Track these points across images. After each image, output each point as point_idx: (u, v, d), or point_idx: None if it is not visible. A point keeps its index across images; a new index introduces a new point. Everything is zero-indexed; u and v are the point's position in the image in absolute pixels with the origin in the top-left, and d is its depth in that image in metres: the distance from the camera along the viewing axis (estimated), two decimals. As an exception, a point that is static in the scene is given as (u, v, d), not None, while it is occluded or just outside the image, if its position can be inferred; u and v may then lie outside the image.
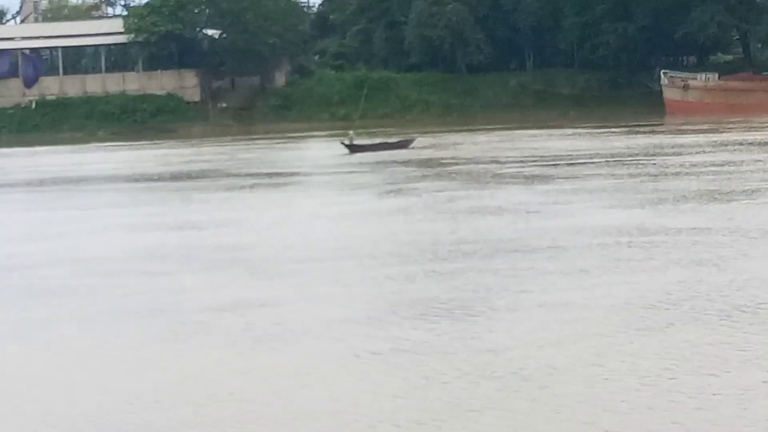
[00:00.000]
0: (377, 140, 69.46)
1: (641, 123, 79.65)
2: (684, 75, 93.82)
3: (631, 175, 45.30)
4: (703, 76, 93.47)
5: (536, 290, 22.36)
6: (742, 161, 49.22)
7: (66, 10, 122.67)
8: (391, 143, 68.14)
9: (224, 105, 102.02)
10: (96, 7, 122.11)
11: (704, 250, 26.19)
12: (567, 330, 18.87)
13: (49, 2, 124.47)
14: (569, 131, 74.33)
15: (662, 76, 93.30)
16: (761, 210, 33.24)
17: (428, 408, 15.01)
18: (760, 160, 49.17)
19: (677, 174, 44.98)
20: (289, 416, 14.98)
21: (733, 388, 15.18)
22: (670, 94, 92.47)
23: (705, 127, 73.03)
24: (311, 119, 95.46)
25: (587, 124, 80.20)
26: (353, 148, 65.80)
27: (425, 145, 67.64)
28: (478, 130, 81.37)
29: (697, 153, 55.44)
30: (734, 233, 28.76)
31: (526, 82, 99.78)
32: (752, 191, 37.90)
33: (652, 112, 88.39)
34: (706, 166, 47.51)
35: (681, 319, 19.46)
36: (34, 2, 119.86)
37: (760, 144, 58.68)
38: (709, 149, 56.97)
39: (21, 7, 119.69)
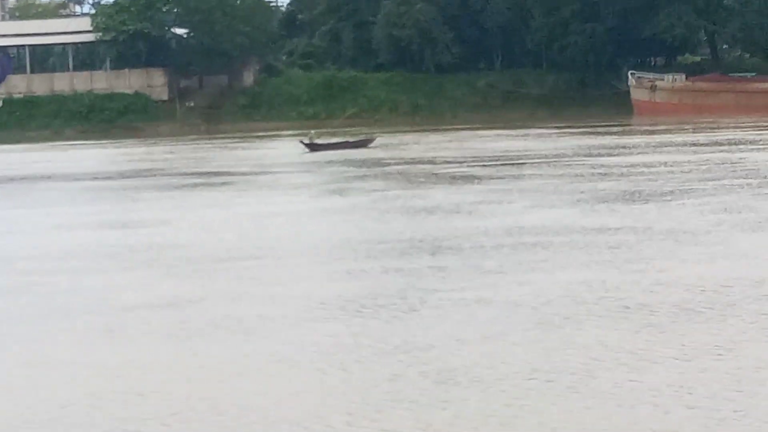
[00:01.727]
0: (336, 140, 69.59)
1: (609, 123, 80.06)
2: (651, 76, 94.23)
3: (567, 176, 45.66)
4: (671, 76, 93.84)
5: (456, 288, 22.52)
6: (675, 162, 49.66)
7: (34, 8, 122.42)
8: (351, 142, 68.39)
9: (192, 104, 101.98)
10: (64, 5, 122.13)
11: (615, 250, 26.61)
12: (481, 328, 18.95)
13: (17, 0, 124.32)
14: (533, 131, 74.73)
15: (630, 76, 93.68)
16: (674, 211, 33.40)
17: (344, 404, 15.14)
18: (691, 161, 49.57)
19: (610, 175, 45.38)
20: (217, 412, 15.00)
21: (629, 387, 15.31)
22: (637, 94, 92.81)
23: (663, 128, 73.56)
24: (279, 119, 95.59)
25: (554, 125, 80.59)
26: (313, 147, 66.07)
27: (384, 144, 67.92)
28: (445, 130, 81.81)
29: (638, 154, 55.99)
30: (646, 233, 28.96)
31: (494, 83, 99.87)
32: (672, 192, 38.29)
33: (619, 113, 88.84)
34: (639, 167, 48.02)
35: (586, 317, 19.65)
36: (2, 1, 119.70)
37: (703, 145, 59.16)
38: (650, 150, 57.39)
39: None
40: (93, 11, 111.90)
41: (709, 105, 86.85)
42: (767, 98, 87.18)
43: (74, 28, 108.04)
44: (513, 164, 52.16)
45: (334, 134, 73.46)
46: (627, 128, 74.41)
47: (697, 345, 17.32)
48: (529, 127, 77.58)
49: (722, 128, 69.26)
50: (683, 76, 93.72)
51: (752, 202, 34.70)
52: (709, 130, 68.10)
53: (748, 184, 39.81)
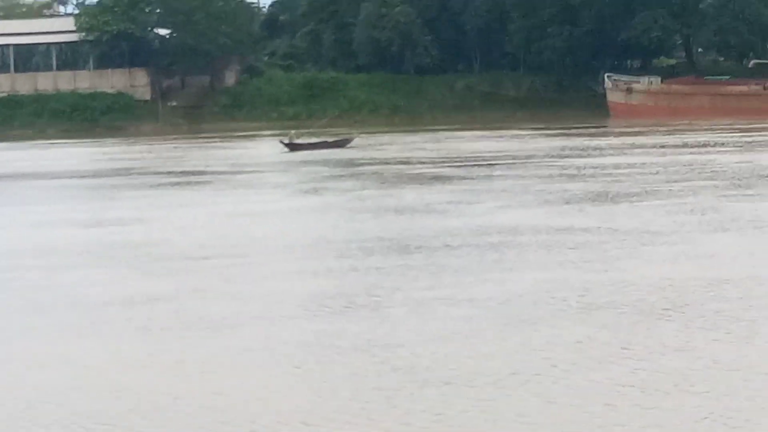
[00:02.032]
0: (316, 140, 69.62)
1: (584, 125, 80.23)
2: (627, 78, 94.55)
3: (537, 177, 45.77)
4: (647, 79, 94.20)
5: (422, 287, 22.60)
6: (645, 164, 49.93)
7: (18, 8, 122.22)
8: (330, 142, 68.56)
9: (174, 104, 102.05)
10: (48, 5, 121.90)
11: (580, 250, 26.77)
12: (446, 326, 19.01)
13: (1, 0, 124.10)
14: (509, 133, 74.85)
15: (606, 79, 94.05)
16: (640, 212, 33.50)
17: (309, 399, 15.17)
18: (660, 163, 49.82)
19: (580, 176, 45.63)
20: (183, 407, 15.06)
21: (588, 384, 15.40)
22: (613, 97, 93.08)
23: (636, 130, 73.72)
24: (260, 119, 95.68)
25: (531, 126, 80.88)
26: (293, 147, 66.20)
27: (363, 145, 68.02)
28: (424, 131, 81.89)
29: (608, 155, 56.18)
30: (611, 233, 29.08)
31: (472, 84, 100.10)
32: (639, 193, 38.46)
33: (596, 115, 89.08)
34: (609, 169, 48.33)
35: (549, 316, 19.70)
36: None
37: (673, 147, 59.40)
38: (621, 152, 57.55)
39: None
40: (76, 11, 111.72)
41: (684, 108, 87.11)
42: (741, 101, 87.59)
43: (58, 28, 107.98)
44: (485, 165, 52.32)
45: (314, 134, 73.69)
46: (601, 130, 74.70)
47: (656, 344, 17.33)
48: (506, 129, 77.82)
49: (694, 131, 69.61)
50: (659, 79, 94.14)
51: (717, 203, 34.87)
52: (680, 133, 68.38)
53: (713, 186, 40.05)
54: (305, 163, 57.70)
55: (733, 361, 16.32)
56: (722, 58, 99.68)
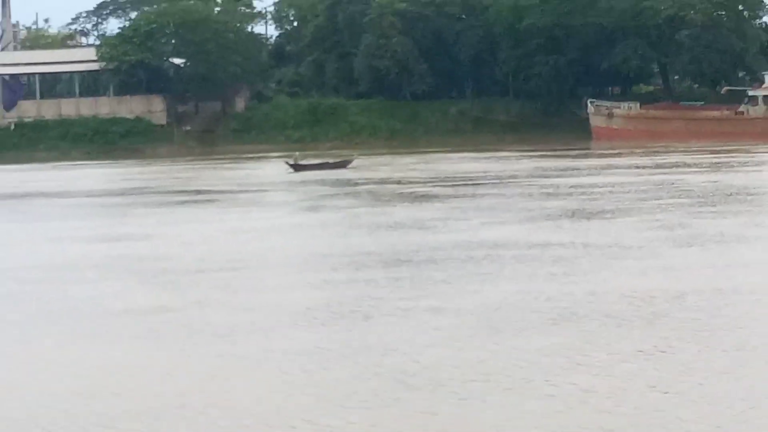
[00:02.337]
0: (318, 161, 69.66)
1: (568, 147, 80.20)
2: (609, 104, 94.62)
3: (519, 195, 45.59)
4: (626, 105, 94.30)
5: (410, 297, 22.59)
6: (619, 183, 49.68)
7: (43, 39, 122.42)
8: (331, 163, 68.62)
9: (188, 128, 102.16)
10: (71, 36, 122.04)
11: (556, 264, 26.55)
12: (431, 334, 19.04)
13: (28, 32, 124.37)
14: (498, 155, 74.70)
15: (589, 104, 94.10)
16: (612, 228, 33.53)
17: (305, 401, 15.16)
18: (634, 183, 49.62)
19: (559, 194, 45.40)
20: (186, 409, 15.03)
21: (562, 388, 15.34)
22: (596, 121, 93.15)
23: (615, 152, 73.79)
24: (268, 142, 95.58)
25: (519, 149, 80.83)
26: (297, 168, 66.29)
27: (361, 166, 67.81)
28: (419, 153, 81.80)
29: (587, 175, 55.78)
30: (585, 248, 29.04)
31: (465, 110, 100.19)
32: (613, 210, 38.34)
33: (579, 138, 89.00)
34: (586, 188, 47.93)
35: (527, 324, 19.66)
36: (14, 31, 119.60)
37: (647, 167, 59.16)
38: (599, 172, 57.19)
39: (1, 36, 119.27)
40: (98, 43, 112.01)
41: (661, 131, 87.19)
42: (714, 125, 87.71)
43: (80, 57, 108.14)
44: (472, 184, 52.02)
45: (317, 156, 73.94)
46: (583, 152, 74.69)
47: (624, 350, 17.39)
48: (495, 151, 77.68)
49: (669, 152, 69.37)
50: (638, 105, 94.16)
51: (684, 219, 34.84)
52: (656, 155, 68.18)
53: (681, 204, 39.94)
54: (306, 182, 57.44)
55: (696, 364, 16.42)
56: (696, 85, 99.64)
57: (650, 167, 58.43)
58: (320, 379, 16.42)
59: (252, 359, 17.84)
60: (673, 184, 48.42)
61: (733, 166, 57.61)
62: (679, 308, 20.75)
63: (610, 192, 45.64)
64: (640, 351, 17.37)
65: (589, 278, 24.40)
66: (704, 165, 58.60)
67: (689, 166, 58.71)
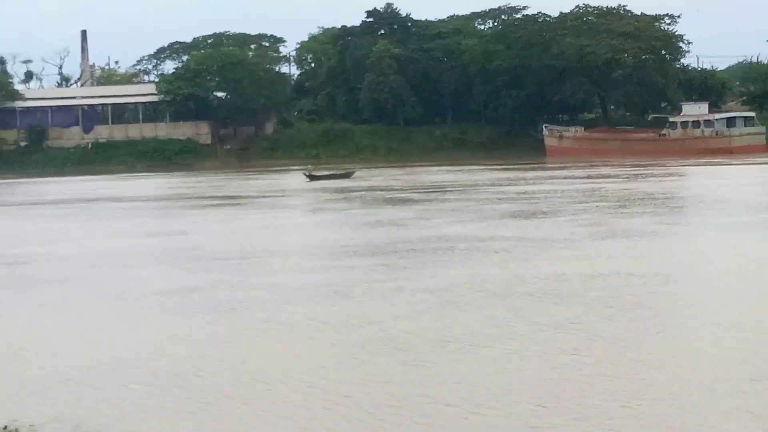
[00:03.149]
0: (329, 172, 69.86)
1: (527, 163, 79.48)
2: (559, 128, 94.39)
3: (476, 199, 45.23)
4: (573, 129, 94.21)
5: (387, 279, 22.87)
6: (556, 190, 49.26)
7: (114, 77, 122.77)
8: (338, 174, 68.66)
9: (228, 147, 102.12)
10: (136, 75, 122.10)
11: (499, 253, 26.49)
12: (403, 308, 19.25)
13: (102, 71, 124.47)
14: (469, 168, 73.83)
15: (544, 128, 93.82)
16: (545, 225, 33.50)
17: (314, 358, 15.58)
18: (567, 190, 49.10)
19: (508, 199, 45.03)
20: (219, 367, 15.14)
21: (502, 352, 15.58)
22: (549, 141, 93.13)
23: (559, 165, 73.12)
24: (291, 158, 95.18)
25: (488, 163, 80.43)
26: (312, 177, 66.53)
27: (361, 176, 67.42)
28: (409, 167, 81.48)
29: (532, 184, 55.41)
30: (522, 240, 29.07)
31: (446, 132, 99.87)
32: (547, 212, 38.19)
33: (536, 155, 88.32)
34: (530, 193, 47.69)
35: (475, 300, 19.89)
36: (91, 71, 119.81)
37: (580, 178, 58.46)
38: (542, 181, 56.74)
39: (81, 74, 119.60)
40: (157, 79, 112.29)
41: (600, 149, 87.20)
42: (642, 145, 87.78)
43: (143, 91, 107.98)
44: (442, 191, 51.63)
45: (328, 168, 74.02)
46: (536, 166, 74.27)
47: (544, 321, 17.47)
48: (468, 165, 76.64)
49: (601, 166, 68.52)
50: (582, 129, 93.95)
51: (601, 218, 34.74)
52: (590, 168, 67.50)
53: (601, 206, 39.73)
54: (315, 190, 56.88)
55: (602, 333, 16.53)
56: (628, 113, 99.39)
57: (582, 177, 58.21)
58: (312, 343, 16.59)
59: (273, 326, 18.09)
60: (597, 191, 48.11)
61: (648, 177, 56.84)
62: (591, 288, 20.69)
63: (547, 197, 45.36)
64: (557, 322, 17.48)
65: (521, 264, 24.41)
66: (626, 176, 58.28)
67: (613, 176, 58.21)
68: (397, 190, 54.28)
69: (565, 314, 18.20)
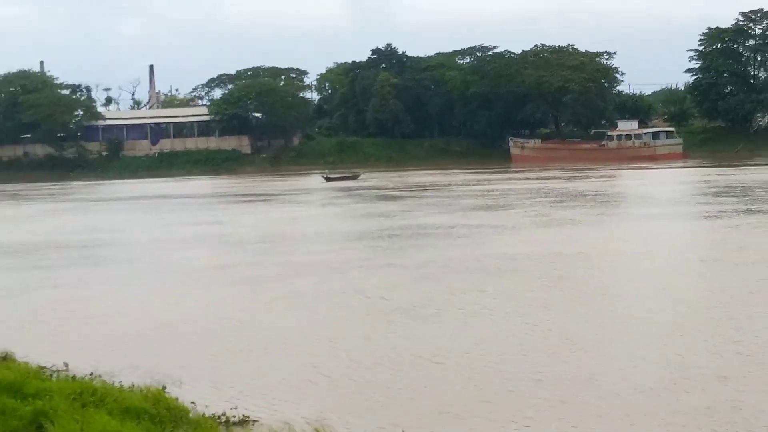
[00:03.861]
0: (340, 174, 69.91)
1: (495, 168, 78.82)
2: (522, 140, 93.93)
3: (450, 196, 45.04)
4: (533, 141, 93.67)
5: (377, 258, 23.29)
6: (513, 188, 49.21)
7: (175, 101, 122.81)
8: (348, 176, 68.41)
9: (264, 156, 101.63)
10: (192, 99, 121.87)
11: (463, 238, 26.87)
12: (390, 280, 19.57)
13: (165, 96, 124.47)
14: (450, 172, 72.85)
15: (510, 141, 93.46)
16: (501, 215, 33.56)
17: (331, 320, 15.73)
18: (521, 188, 48.94)
19: (474, 195, 44.86)
20: (246, 327, 15.23)
21: (459, 314, 15.81)
22: (514, 151, 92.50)
23: (520, 170, 72.07)
24: (312, 164, 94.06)
25: (464, 169, 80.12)
26: (328, 179, 66.51)
27: (364, 178, 67.06)
28: (403, 171, 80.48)
29: (495, 183, 55.01)
30: (481, 228, 29.08)
31: (434, 144, 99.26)
32: (504, 205, 38.19)
33: (504, 162, 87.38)
34: (492, 191, 47.45)
35: (444, 274, 20.21)
36: (157, 96, 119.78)
37: (533, 179, 57.91)
38: (503, 182, 56.40)
39: (149, 99, 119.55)
40: (208, 103, 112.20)
41: (553, 157, 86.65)
42: (586, 153, 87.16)
43: (198, 112, 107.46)
44: (423, 190, 51.59)
45: (341, 172, 73.94)
46: (501, 170, 73.88)
47: (495, 291, 17.69)
48: (448, 170, 76.07)
49: (551, 170, 67.55)
50: (539, 141, 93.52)
51: (546, 210, 34.77)
52: (542, 171, 66.74)
53: (545, 201, 39.78)
54: (328, 188, 56.50)
55: (540, 300, 16.58)
56: (576, 129, 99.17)
57: (535, 179, 58.27)
58: (314, 307, 17.00)
59: (292, 296, 18.22)
60: (544, 189, 47.95)
61: (586, 178, 56.52)
62: (531, 265, 21.13)
63: (504, 194, 45.18)
64: (504, 291, 17.76)
65: (478, 247, 24.60)
66: (569, 177, 58.35)
67: (559, 178, 58.31)
68: (389, 189, 54.21)
69: (511, 285, 18.80)
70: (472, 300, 16.84)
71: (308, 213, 39.15)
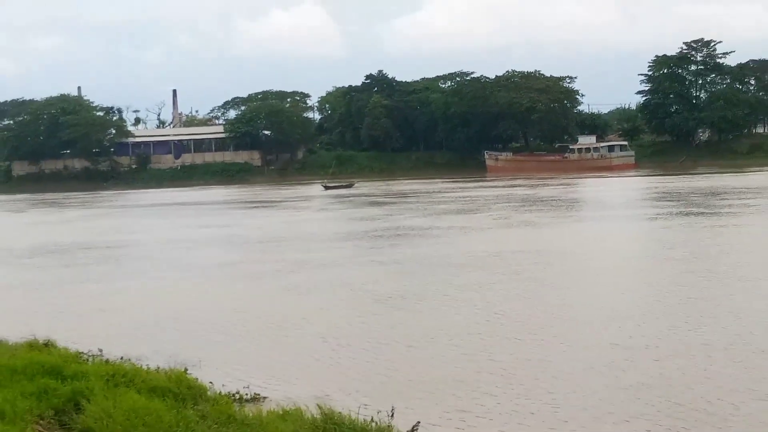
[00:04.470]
0: (337, 183, 69.76)
1: (472, 178, 78.48)
2: (496, 153, 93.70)
3: (428, 201, 45.26)
4: (505, 154, 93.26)
5: (365, 255, 23.29)
6: (482, 195, 49.20)
7: (195, 120, 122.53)
8: (344, 185, 68.44)
9: (272, 168, 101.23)
10: (210, 119, 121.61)
11: (436, 237, 27.04)
12: (377, 272, 19.74)
13: (186, 116, 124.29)
14: (432, 181, 72.57)
15: (486, 154, 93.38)
16: (472, 218, 33.57)
17: (332, 305, 15.92)
18: (489, 194, 48.85)
19: (449, 201, 45.05)
20: (249, 316, 15.35)
21: (436, 304, 15.89)
22: (489, 162, 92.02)
23: (493, 179, 71.74)
24: (314, 175, 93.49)
25: (445, 178, 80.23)
26: (327, 187, 66.41)
27: (358, 187, 67.14)
28: (392, 180, 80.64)
29: (470, 191, 54.72)
30: (452, 229, 29.16)
31: (420, 157, 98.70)
32: (473, 209, 38.21)
33: (480, 173, 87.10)
34: (466, 197, 47.31)
35: (422, 267, 20.40)
36: (179, 117, 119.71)
37: (501, 186, 57.80)
38: (473, 189, 56.06)
39: (172, 119, 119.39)
40: (224, 122, 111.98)
41: (523, 168, 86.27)
42: (551, 164, 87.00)
43: (215, 130, 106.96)
44: (405, 196, 51.43)
45: (338, 181, 73.82)
46: (476, 180, 73.33)
47: (465, 283, 17.98)
48: (430, 179, 75.74)
49: (520, 179, 67.37)
50: (511, 154, 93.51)
51: (509, 213, 34.77)
52: (510, 180, 66.43)
53: (509, 205, 39.87)
54: (326, 196, 56.29)
55: (503, 289, 16.85)
56: (542, 143, 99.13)
57: (503, 186, 57.88)
58: (309, 297, 17.18)
59: (292, 287, 18.26)
60: (510, 195, 48.13)
61: (549, 186, 57.10)
62: (494, 261, 21.21)
63: (475, 200, 45.15)
64: (471, 283, 17.86)
65: (449, 245, 24.72)
66: (532, 185, 58.09)
67: (525, 185, 58.16)
68: (377, 196, 53.95)
69: (477, 278, 19.01)
70: (441, 291, 17.21)
71: (306, 217, 39.07)
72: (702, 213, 31.03)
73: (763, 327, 12.76)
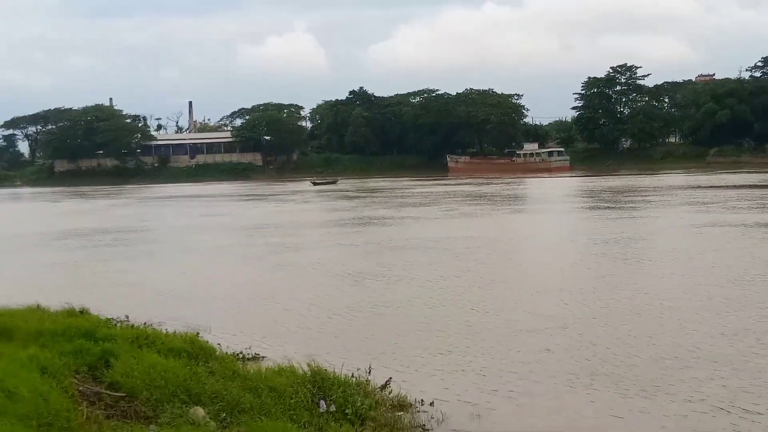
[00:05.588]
0: (324, 180, 69.45)
1: (435, 177, 78.43)
2: (456, 157, 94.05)
3: (396, 196, 44.77)
4: (464, 157, 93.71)
5: (350, 239, 22.89)
6: (439, 191, 48.71)
7: (207, 127, 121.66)
8: (329, 181, 68.30)
9: (272, 167, 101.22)
10: (220, 126, 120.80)
11: (400, 226, 26.50)
12: (361, 257, 19.06)
13: (200, 124, 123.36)
14: (401, 179, 72.24)
15: (448, 157, 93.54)
16: (428, 210, 33.09)
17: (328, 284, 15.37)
18: (446, 191, 48.61)
19: (413, 196, 44.57)
20: (250, 292, 14.66)
21: (406, 281, 15.17)
22: (450, 164, 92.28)
23: (453, 179, 71.05)
24: (306, 173, 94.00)
25: (413, 177, 79.23)
26: (315, 183, 66.23)
27: (341, 182, 67.21)
28: (369, 179, 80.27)
29: (430, 187, 54.50)
30: (416, 219, 28.86)
31: (394, 160, 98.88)
32: (430, 203, 37.78)
33: (443, 173, 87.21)
34: (427, 193, 47.16)
35: (391, 249, 20.18)
36: (194, 124, 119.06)
37: (456, 185, 57.36)
38: (433, 187, 55.50)
39: (189, 126, 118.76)
40: (232, 128, 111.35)
41: (478, 170, 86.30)
42: (502, 167, 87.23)
43: (224, 135, 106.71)
44: (378, 191, 50.58)
45: (324, 178, 73.71)
46: (438, 179, 72.66)
47: (421, 262, 17.68)
48: (400, 178, 75.80)
49: (474, 178, 66.64)
50: (468, 157, 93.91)
51: (458, 207, 34.52)
52: (464, 179, 66.05)
53: (461, 200, 39.34)
54: (312, 191, 55.68)
55: (453, 268, 16.43)
56: (494, 149, 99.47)
57: (459, 184, 56.86)
58: (296, 275, 16.65)
59: (289, 266, 17.70)
60: (461, 191, 47.36)
61: (496, 183, 56.48)
62: (445, 244, 20.97)
63: (431, 194, 44.74)
64: (426, 262, 17.58)
65: (406, 231, 24.46)
66: (480, 183, 56.95)
67: (473, 184, 56.77)
68: (353, 191, 53.06)
69: (430, 258, 18.42)
70: (402, 269, 16.81)
71: (290, 208, 38.47)
72: (615, 207, 31.29)
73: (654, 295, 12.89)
